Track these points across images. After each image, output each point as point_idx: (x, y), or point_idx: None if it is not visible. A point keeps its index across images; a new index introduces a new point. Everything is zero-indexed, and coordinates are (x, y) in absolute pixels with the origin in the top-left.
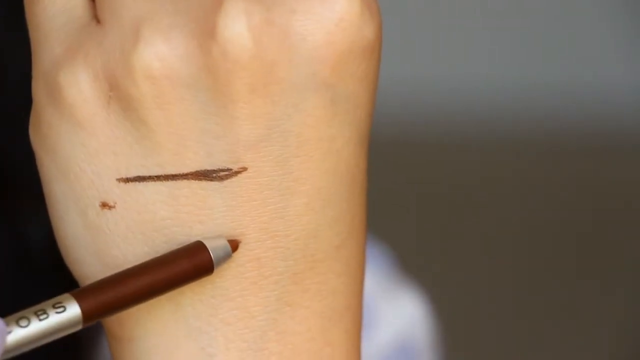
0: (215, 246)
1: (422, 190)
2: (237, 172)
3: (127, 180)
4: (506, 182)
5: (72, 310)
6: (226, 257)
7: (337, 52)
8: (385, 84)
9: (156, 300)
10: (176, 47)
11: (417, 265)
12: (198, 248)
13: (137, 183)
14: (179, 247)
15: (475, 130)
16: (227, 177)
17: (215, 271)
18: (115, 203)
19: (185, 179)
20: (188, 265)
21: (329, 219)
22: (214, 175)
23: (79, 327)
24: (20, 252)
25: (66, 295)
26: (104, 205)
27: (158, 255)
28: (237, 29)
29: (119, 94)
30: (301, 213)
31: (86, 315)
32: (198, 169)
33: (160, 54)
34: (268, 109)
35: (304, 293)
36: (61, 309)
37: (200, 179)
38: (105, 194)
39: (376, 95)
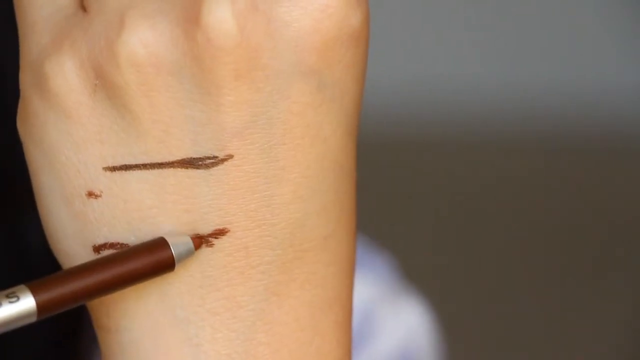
0: (177, 243)
1: (424, 195)
2: (223, 160)
3: (114, 169)
4: (506, 184)
5: (26, 302)
6: (188, 254)
7: (323, 38)
8: (385, 83)
9: (143, 290)
10: (161, 33)
11: (420, 272)
12: (159, 244)
13: (123, 172)
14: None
15: (475, 131)
16: (213, 165)
17: (204, 261)
18: (102, 192)
19: (171, 167)
20: (148, 261)
21: (317, 208)
22: (200, 163)
23: (33, 319)
24: (19, 252)
25: (21, 286)
26: (90, 194)
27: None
28: (221, 15)
29: (104, 82)
30: (288, 201)
31: (40, 307)
32: (184, 156)
33: (144, 40)
34: (253, 96)
35: (292, 283)
36: (14, 299)
37: (187, 167)
38: (91, 183)
39: (364, 84)
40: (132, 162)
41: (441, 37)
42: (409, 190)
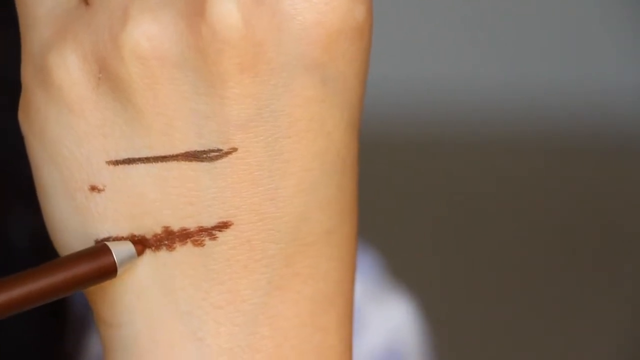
0: (119, 249)
1: (414, 192)
2: (227, 153)
3: (117, 162)
4: (503, 184)
5: None
6: (130, 259)
7: (326, 32)
8: (384, 83)
9: (146, 284)
10: (165, 26)
11: (419, 272)
12: (102, 250)
13: (126, 165)
14: (86, 248)
15: (474, 131)
16: (217, 157)
17: (207, 254)
18: (105, 186)
19: (174, 160)
20: (91, 267)
21: (320, 201)
22: (204, 156)
23: None
24: (3, 254)
25: None
26: (93, 188)
27: (147, 239)
28: (226, 8)
29: (107, 75)
30: (292, 195)
31: None
32: (188, 150)
33: (149, 33)
34: (257, 89)
35: (294, 277)
36: None
37: (190, 160)
38: (94, 177)
39: (367, 79)
40: (135, 155)
41: (441, 37)
42: (408, 190)
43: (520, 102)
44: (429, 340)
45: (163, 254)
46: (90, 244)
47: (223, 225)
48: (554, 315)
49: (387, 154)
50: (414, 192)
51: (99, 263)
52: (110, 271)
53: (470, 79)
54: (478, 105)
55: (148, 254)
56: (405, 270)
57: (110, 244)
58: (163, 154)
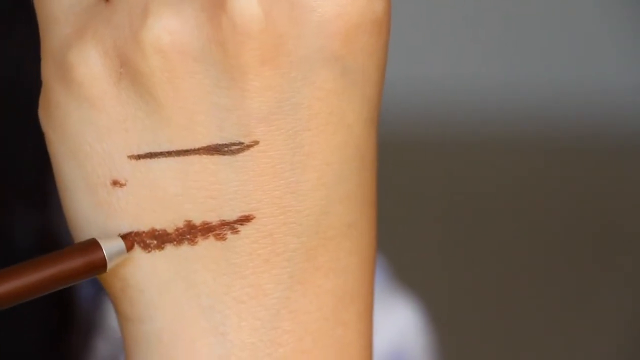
0: (108, 244)
1: (414, 192)
2: (248, 146)
3: (139, 157)
4: (503, 184)
5: None
6: (120, 255)
7: (346, 24)
8: (384, 83)
9: (168, 279)
10: (186, 20)
11: (418, 272)
12: (91, 245)
13: (148, 160)
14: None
15: (475, 131)
16: (238, 151)
17: (229, 248)
18: (126, 181)
19: (196, 154)
20: (81, 262)
21: (340, 195)
22: (226, 149)
23: None
24: (6, 254)
25: None
26: (115, 183)
27: (168, 234)
28: (246, 0)
29: (129, 70)
30: (313, 188)
31: None
32: (209, 143)
33: (169, 27)
34: (278, 82)
35: (316, 271)
36: None
37: (212, 154)
38: (116, 171)
39: (385, 73)
40: (157, 149)
41: (441, 37)
42: (408, 190)
43: (520, 102)
44: (434, 342)
45: (185, 248)
46: None
47: (245, 219)
48: (554, 315)
49: (386, 153)
50: (414, 192)
51: (89, 258)
52: (99, 266)
53: (471, 79)
54: (478, 105)
55: (170, 248)
56: (404, 270)
57: (100, 240)
58: (185, 147)
